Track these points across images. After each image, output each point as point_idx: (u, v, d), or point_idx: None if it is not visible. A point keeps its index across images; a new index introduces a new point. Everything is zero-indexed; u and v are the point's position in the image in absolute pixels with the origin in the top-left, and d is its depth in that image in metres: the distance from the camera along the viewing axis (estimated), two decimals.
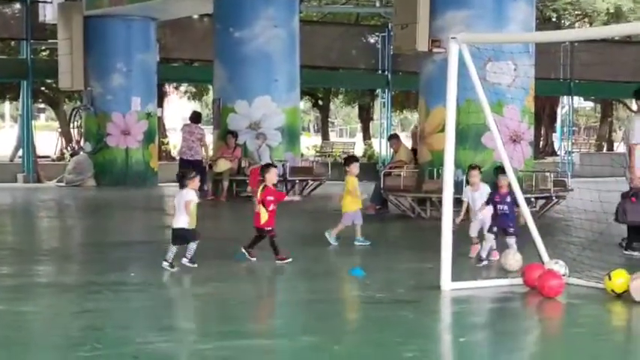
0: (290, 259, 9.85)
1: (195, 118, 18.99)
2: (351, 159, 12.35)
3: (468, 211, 10.64)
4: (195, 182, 9.72)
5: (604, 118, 46.36)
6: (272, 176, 10.37)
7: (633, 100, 11.22)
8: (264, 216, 9.95)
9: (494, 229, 9.98)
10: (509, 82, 14.83)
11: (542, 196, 15.53)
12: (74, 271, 10.13)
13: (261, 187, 10.20)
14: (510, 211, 9.85)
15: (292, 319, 7.59)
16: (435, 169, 15.09)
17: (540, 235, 9.15)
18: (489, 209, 10.07)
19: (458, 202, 10.00)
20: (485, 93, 9.17)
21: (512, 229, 9.81)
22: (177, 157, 19.31)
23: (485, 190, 10.52)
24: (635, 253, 10.97)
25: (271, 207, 10.00)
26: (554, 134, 42.91)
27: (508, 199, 9.84)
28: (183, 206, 9.47)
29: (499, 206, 9.92)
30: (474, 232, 10.61)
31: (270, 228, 9.97)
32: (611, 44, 31.67)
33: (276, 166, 10.94)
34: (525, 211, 9.35)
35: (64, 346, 6.34)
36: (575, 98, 36.46)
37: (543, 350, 6.74)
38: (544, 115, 39.02)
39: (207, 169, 19.22)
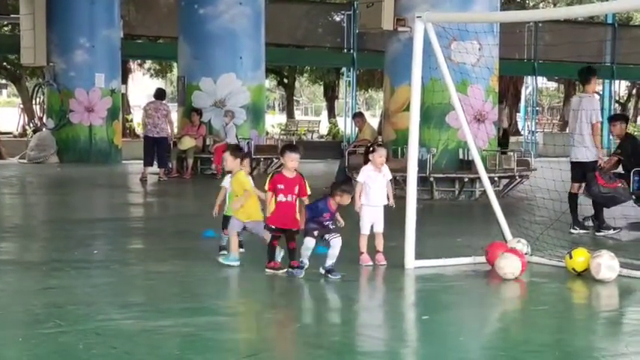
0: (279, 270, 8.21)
1: (160, 94, 18.88)
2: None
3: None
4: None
5: (567, 98, 46.73)
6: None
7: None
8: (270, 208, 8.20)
9: None
10: (474, 62, 14.89)
11: (506, 175, 15.66)
12: (36, 248, 10.05)
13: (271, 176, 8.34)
14: None
15: (254, 295, 7.60)
16: (400, 148, 15.14)
17: (503, 214, 9.23)
18: None
19: (422, 180, 10.02)
20: (450, 72, 9.20)
21: None
22: (142, 135, 19.15)
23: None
24: (611, 232, 11.14)
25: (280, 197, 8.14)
26: (517, 114, 43.18)
27: None
28: None
29: None
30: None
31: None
32: (574, 25, 31.89)
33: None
34: (489, 190, 9.41)
35: (26, 323, 6.30)
36: (539, 78, 36.68)
37: (505, 327, 6.80)
38: (508, 95, 39.24)
39: (171, 146, 19.12)
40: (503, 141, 25.03)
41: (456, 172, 15.30)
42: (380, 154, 8.77)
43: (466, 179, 15.16)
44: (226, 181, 8.86)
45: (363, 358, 5.68)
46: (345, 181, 8.80)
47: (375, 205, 8.67)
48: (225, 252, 8.69)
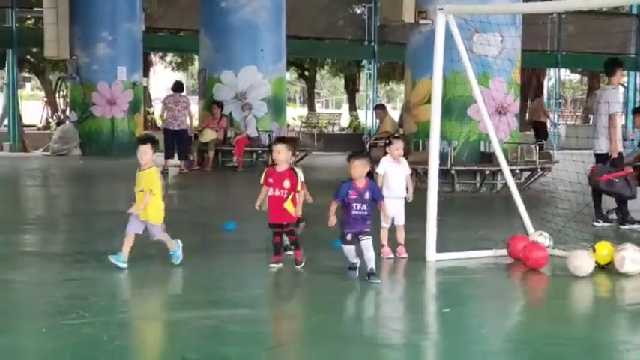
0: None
1: (179, 87, 18.93)
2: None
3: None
4: None
5: (590, 90, 46.41)
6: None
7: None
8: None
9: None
10: (496, 54, 14.83)
11: (528, 168, 15.60)
12: (59, 240, 10.12)
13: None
14: None
15: (274, 288, 7.62)
16: (421, 141, 15.12)
17: (525, 206, 9.20)
18: None
19: (443, 173, 9.99)
20: (472, 65, 9.17)
21: None
22: (162, 128, 19.21)
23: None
24: (635, 226, 11.06)
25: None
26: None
27: None
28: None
29: None
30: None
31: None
32: (598, 16, 31.66)
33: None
34: (510, 182, 9.38)
35: (50, 314, 6.35)
36: (562, 70, 36.47)
37: (527, 320, 6.79)
38: (530, 87, 39.05)
39: (192, 139, 19.18)
40: (542, 135, 24.97)
41: (477, 164, 15.26)
42: (397, 147, 8.76)
43: (487, 172, 15.11)
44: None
45: (384, 351, 5.69)
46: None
47: (396, 196, 8.66)
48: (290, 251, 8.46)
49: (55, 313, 6.32)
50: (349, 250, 7.62)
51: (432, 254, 8.55)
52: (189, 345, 5.57)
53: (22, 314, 6.28)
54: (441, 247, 8.62)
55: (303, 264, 8.02)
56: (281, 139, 8.57)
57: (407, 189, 8.75)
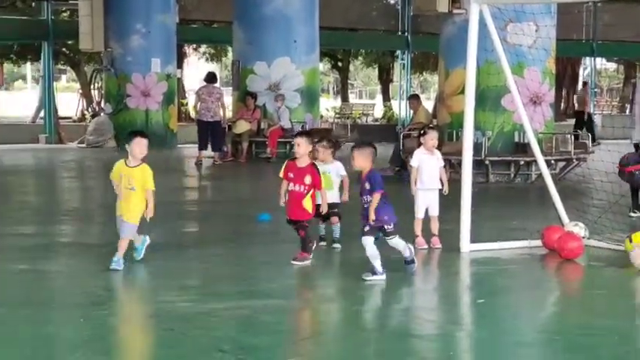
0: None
1: (212, 78, 18.98)
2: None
3: None
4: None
5: (627, 79, 45.91)
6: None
7: None
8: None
9: None
10: (531, 44, 14.72)
11: (563, 158, 15.47)
12: (95, 231, 10.21)
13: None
14: None
15: (307, 279, 7.63)
16: (455, 131, 15.06)
17: (560, 197, 9.13)
18: None
19: (477, 163, 9.92)
20: (506, 54, 9.11)
21: None
22: (196, 119, 19.28)
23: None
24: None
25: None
26: (575, 96, 42.56)
27: None
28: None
29: None
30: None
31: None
32: (634, 4, 31.27)
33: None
34: (545, 173, 9.31)
35: (85, 304, 6.41)
36: (598, 59, 36.09)
37: (561, 311, 6.75)
38: (565, 77, 38.70)
39: (226, 130, 19.23)
40: (587, 125, 24.69)
41: (511, 155, 15.17)
42: (431, 137, 8.73)
43: (522, 162, 15.02)
44: (327, 168, 8.50)
45: (418, 341, 5.68)
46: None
47: (430, 188, 8.63)
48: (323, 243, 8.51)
49: (90, 304, 6.37)
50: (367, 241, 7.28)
51: (466, 245, 8.52)
52: (222, 336, 5.59)
53: (57, 305, 6.34)
54: (475, 238, 8.58)
55: (301, 263, 7.75)
56: (302, 132, 8.36)
57: (442, 181, 8.71)
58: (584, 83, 31.06)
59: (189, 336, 5.65)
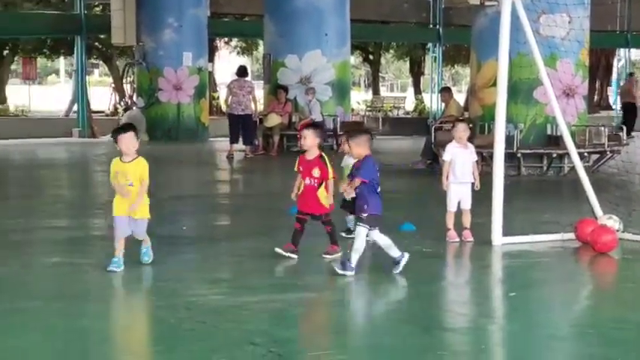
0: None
1: (243, 71, 19.03)
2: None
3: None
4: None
5: None
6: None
7: None
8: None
9: None
10: (563, 35, 14.59)
11: (596, 150, 15.34)
12: None
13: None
14: None
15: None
16: (486, 124, 14.98)
17: (594, 190, 9.05)
18: None
19: (509, 156, 9.85)
20: (539, 46, 9.04)
21: None
22: (227, 113, 19.33)
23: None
24: None
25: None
26: (609, 88, 42.16)
27: None
28: None
29: None
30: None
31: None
32: None
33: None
34: (578, 165, 9.24)
35: (118, 297, 6.46)
36: (633, 50, 35.72)
37: (594, 305, 6.70)
38: (599, 68, 38.35)
39: (257, 123, 19.27)
40: (631, 116, 24.33)
41: (544, 147, 15.07)
42: (462, 129, 8.69)
43: (554, 155, 14.92)
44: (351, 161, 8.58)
45: (450, 335, 5.67)
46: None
47: (462, 181, 8.60)
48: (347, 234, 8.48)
49: (123, 296, 6.42)
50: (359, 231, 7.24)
51: (498, 238, 8.48)
52: (254, 329, 5.61)
53: (91, 297, 6.39)
54: (507, 231, 8.54)
55: (332, 257, 7.70)
56: (307, 124, 8.23)
57: (474, 176, 8.65)
58: (631, 74, 30.63)
59: (221, 329, 5.68)
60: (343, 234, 8.53)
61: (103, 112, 31.82)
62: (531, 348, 5.40)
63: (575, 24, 14.60)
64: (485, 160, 14.08)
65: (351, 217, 8.50)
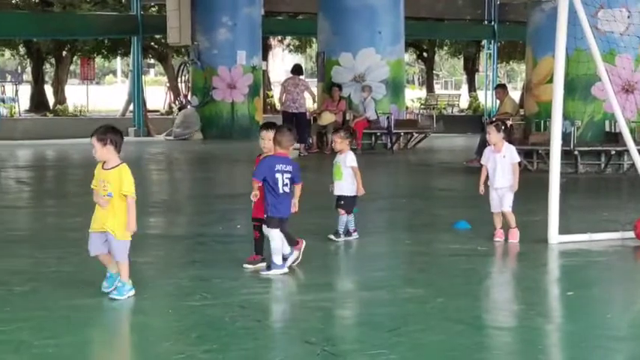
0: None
1: (298, 70, 19.07)
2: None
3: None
4: None
5: None
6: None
7: None
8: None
9: None
10: (622, 30, 14.35)
11: None
12: (182, 222, 10.36)
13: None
14: None
15: (393, 271, 7.59)
16: (542, 121, 14.82)
17: None
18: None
19: (566, 154, 9.72)
20: (597, 42, 8.90)
21: None
22: (281, 111, 19.37)
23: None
24: None
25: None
26: None
27: None
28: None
29: None
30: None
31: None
32: None
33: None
34: (638, 163, 9.08)
35: (175, 295, 6.50)
36: None
37: None
38: None
39: (311, 121, 19.29)
40: None
41: (602, 144, 14.86)
42: (488, 131, 8.51)
43: (613, 152, 14.70)
44: (339, 159, 8.59)
45: (505, 334, 5.60)
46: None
47: (496, 187, 8.42)
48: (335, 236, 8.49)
49: (180, 295, 6.46)
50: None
51: (554, 236, 8.36)
52: (308, 328, 5.60)
53: (147, 295, 6.44)
54: (563, 230, 8.42)
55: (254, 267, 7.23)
56: (266, 125, 7.59)
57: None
58: None
59: (276, 327, 5.68)
60: (332, 236, 8.48)
61: (158, 111, 32.15)
62: (589, 348, 5.31)
63: (634, 18, 14.36)
64: (541, 157, 13.94)
65: (343, 219, 8.48)
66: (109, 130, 6.33)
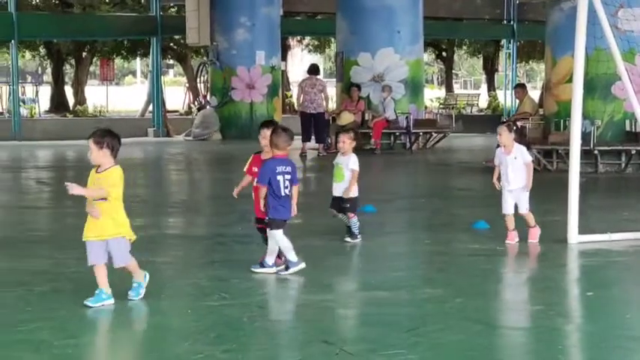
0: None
1: (314, 70, 19.08)
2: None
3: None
4: None
5: None
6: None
7: None
8: None
9: None
10: None
11: None
12: (202, 223, 10.38)
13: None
14: None
15: (412, 271, 7.58)
16: (562, 121, 14.76)
17: None
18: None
19: (586, 153, 9.67)
20: (617, 41, 8.86)
21: None
22: (299, 111, 19.39)
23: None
24: None
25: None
26: None
27: None
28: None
29: None
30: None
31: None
32: None
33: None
34: None
35: (194, 295, 6.52)
36: None
37: None
38: None
39: (329, 121, 19.28)
40: None
41: (622, 144, 14.79)
42: (499, 132, 8.47)
43: (633, 152, 14.61)
44: (341, 160, 8.63)
45: (523, 334, 5.59)
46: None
47: (509, 189, 8.38)
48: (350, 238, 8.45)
49: (199, 295, 6.48)
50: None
51: (573, 236, 8.33)
52: (326, 327, 5.61)
53: (166, 295, 6.47)
54: (583, 229, 8.38)
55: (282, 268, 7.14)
56: (267, 123, 7.56)
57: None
58: None
59: (294, 327, 5.69)
60: (348, 239, 8.48)
61: (177, 111, 32.24)
62: (609, 349, 5.29)
63: None
64: (560, 157, 13.87)
65: (354, 220, 8.50)
66: (107, 134, 6.25)
